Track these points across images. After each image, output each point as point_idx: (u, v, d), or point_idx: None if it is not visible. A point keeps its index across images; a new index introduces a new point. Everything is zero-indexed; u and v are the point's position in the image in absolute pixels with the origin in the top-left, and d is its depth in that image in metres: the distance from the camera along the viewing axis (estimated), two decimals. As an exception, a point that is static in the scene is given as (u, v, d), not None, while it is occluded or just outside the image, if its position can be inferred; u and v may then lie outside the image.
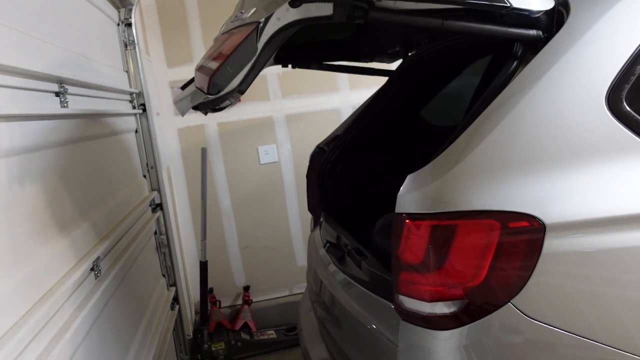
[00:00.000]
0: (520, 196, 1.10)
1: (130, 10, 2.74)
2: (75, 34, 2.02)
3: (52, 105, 1.66)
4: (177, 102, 1.56)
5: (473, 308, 1.12)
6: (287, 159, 3.63)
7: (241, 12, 1.40)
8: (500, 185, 1.11)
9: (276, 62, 2.01)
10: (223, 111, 1.69)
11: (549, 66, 1.16)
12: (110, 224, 2.03)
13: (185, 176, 3.56)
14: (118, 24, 2.73)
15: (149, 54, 3.36)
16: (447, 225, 1.12)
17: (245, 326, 3.45)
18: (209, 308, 3.40)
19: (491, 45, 1.99)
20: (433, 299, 1.14)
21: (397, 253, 1.20)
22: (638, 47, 1.14)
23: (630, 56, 1.14)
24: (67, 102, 1.73)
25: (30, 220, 1.40)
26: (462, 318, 1.13)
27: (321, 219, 2.14)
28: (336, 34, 1.90)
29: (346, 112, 3.53)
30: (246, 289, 3.64)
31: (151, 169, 2.85)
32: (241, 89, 1.22)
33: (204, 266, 3.31)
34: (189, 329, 3.25)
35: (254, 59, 1.21)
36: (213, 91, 1.21)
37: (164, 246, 2.92)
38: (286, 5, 1.19)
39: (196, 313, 3.55)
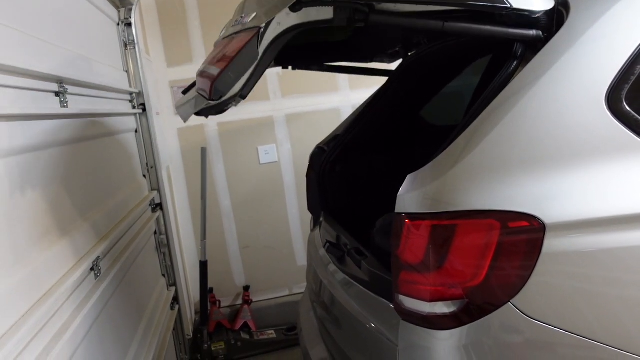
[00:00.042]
0: (520, 196, 1.10)
1: (130, 10, 2.74)
2: (75, 34, 2.02)
3: (52, 105, 1.66)
4: (179, 108, 1.56)
5: (473, 308, 1.12)
6: (287, 159, 3.63)
7: (241, 17, 1.40)
8: (500, 185, 1.11)
9: (276, 64, 2.01)
10: (223, 111, 1.69)
11: (549, 66, 1.16)
12: (110, 224, 2.03)
13: (185, 176, 3.56)
14: (118, 24, 2.73)
15: (148, 53, 3.36)
16: (447, 225, 1.12)
17: (245, 326, 3.45)
18: (209, 308, 3.40)
19: (491, 45, 1.99)
20: (433, 299, 1.14)
21: (397, 253, 1.20)
22: (638, 47, 1.14)
23: (630, 56, 1.14)
24: (67, 102, 1.73)
25: (30, 220, 1.40)
26: (462, 318, 1.13)
27: (321, 219, 2.14)
28: (336, 35, 1.90)
29: (346, 112, 3.53)
30: (246, 288, 3.64)
31: (151, 168, 2.85)
32: (243, 94, 1.23)
33: (203, 266, 3.31)
34: (188, 329, 3.25)
35: (255, 64, 1.21)
36: (215, 97, 1.22)
37: (164, 246, 2.92)
38: (287, 9, 1.19)
39: (196, 313, 3.55)
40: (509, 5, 1.16)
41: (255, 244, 3.67)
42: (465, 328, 1.13)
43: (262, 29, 1.20)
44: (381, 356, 1.36)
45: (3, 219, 1.25)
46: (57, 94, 1.68)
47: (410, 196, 1.18)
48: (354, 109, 2.37)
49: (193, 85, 1.59)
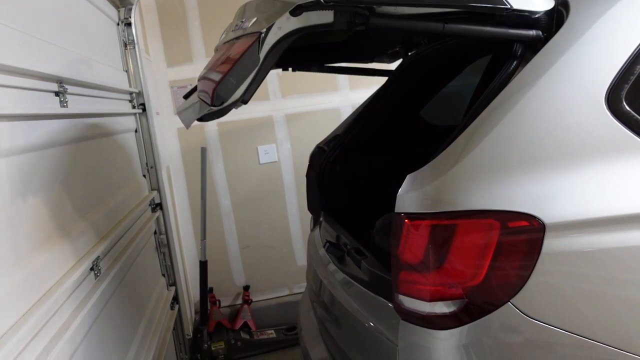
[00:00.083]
0: (519, 196, 1.10)
1: (130, 9, 2.74)
2: (75, 34, 2.02)
3: (52, 105, 1.66)
4: (180, 113, 1.56)
5: (473, 307, 1.12)
6: (286, 159, 3.63)
7: (242, 21, 1.40)
8: (499, 185, 1.11)
9: (276, 66, 2.01)
10: (223, 111, 1.69)
11: (548, 66, 1.16)
12: (109, 224, 2.03)
13: (185, 176, 3.56)
14: (118, 24, 2.73)
15: (148, 53, 3.36)
16: (446, 225, 1.12)
17: (245, 326, 3.45)
18: (209, 308, 3.40)
19: (491, 45, 1.99)
20: (433, 299, 1.14)
21: (397, 253, 1.20)
22: (638, 46, 1.14)
23: (630, 56, 1.14)
24: (66, 102, 1.72)
25: (29, 220, 1.40)
26: (461, 317, 1.13)
27: (321, 219, 2.14)
28: (336, 36, 1.90)
29: (346, 112, 3.53)
30: (246, 288, 3.64)
31: (151, 168, 2.85)
32: (244, 99, 1.23)
33: (203, 266, 3.31)
34: (188, 329, 3.25)
35: (256, 69, 1.22)
36: (217, 103, 1.22)
37: (164, 246, 2.92)
38: (287, 14, 1.19)
39: (196, 313, 3.55)
40: (509, 6, 1.16)
41: (255, 243, 3.67)
42: (465, 328, 1.13)
43: (263, 34, 1.20)
44: (381, 356, 1.36)
45: (2, 219, 1.25)
46: (56, 93, 1.68)
47: (410, 196, 1.18)
48: (354, 109, 2.37)
49: (194, 89, 1.59)
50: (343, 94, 3.65)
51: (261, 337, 3.40)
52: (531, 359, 1.14)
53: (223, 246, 3.64)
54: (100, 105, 2.19)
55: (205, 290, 3.33)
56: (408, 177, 1.22)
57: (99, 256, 1.76)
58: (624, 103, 1.13)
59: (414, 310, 1.18)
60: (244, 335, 3.38)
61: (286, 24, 1.21)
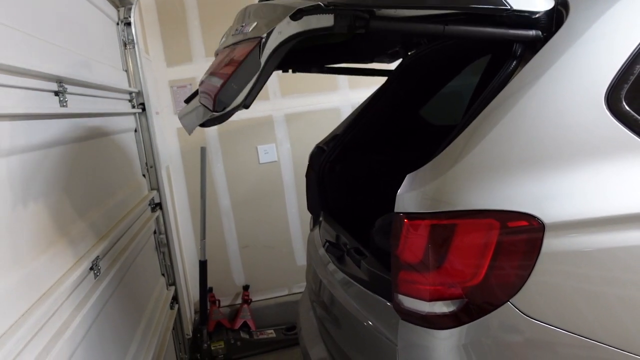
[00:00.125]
0: (519, 196, 1.10)
1: (130, 9, 2.74)
2: (75, 33, 2.02)
3: (52, 105, 1.66)
4: (182, 117, 1.56)
5: (472, 307, 1.12)
6: (286, 159, 3.63)
7: (242, 26, 1.40)
8: (499, 184, 1.11)
9: (277, 68, 2.01)
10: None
11: (548, 66, 1.16)
12: (109, 224, 2.03)
13: (184, 175, 3.56)
14: (117, 23, 2.73)
15: (148, 53, 3.36)
16: (446, 225, 1.12)
17: (245, 325, 3.45)
18: (209, 307, 3.40)
19: (490, 45, 1.99)
20: (432, 298, 1.14)
21: (397, 252, 1.20)
22: (637, 46, 1.14)
23: (630, 56, 1.14)
24: (66, 102, 1.72)
25: (29, 220, 1.40)
26: (461, 317, 1.13)
27: (320, 219, 2.14)
28: (336, 37, 1.90)
29: (346, 112, 3.53)
30: (245, 288, 3.64)
31: (150, 168, 2.85)
32: (246, 104, 1.23)
33: (203, 265, 3.31)
34: (188, 328, 3.25)
35: (257, 74, 1.22)
36: (219, 108, 1.22)
37: (164, 245, 2.92)
38: (287, 18, 1.19)
39: (195, 312, 3.55)
40: (509, 7, 1.16)
41: (254, 243, 3.67)
42: (464, 327, 1.13)
43: (264, 39, 1.20)
44: (380, 355, 1.36)
45: (2, 218, 1.25)
46: (56, 93, 1.68)
47: (410, 196, 1.18)
48: (354, 109, 2.37)
49: (195, 93, 1.59)
50: (343, 94, 3.65)
51: (261, 336, 3.40)
52: (531, 358, 1.14)
53: (223, 246, 3.64)
54: (99, 105, 2.19)
55: (204, 289, 3.32)
56: (408, 177, 1.22)
57: (98, 256, 1.76)
58: (624, 103, 1.13)
59: (414, 309, 1.18)
60: (243, 335, 3.38)
61: (286, 29, 1.21)
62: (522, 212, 1.09)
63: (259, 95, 1.29)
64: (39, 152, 1.53)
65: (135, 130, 2.78)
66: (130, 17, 2.73)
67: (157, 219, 2.87)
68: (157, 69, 3.43)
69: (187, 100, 1.74)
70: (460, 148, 1.16)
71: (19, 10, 1.51)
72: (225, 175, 3.59)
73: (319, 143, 2.27)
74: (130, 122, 2.69)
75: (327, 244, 1.84)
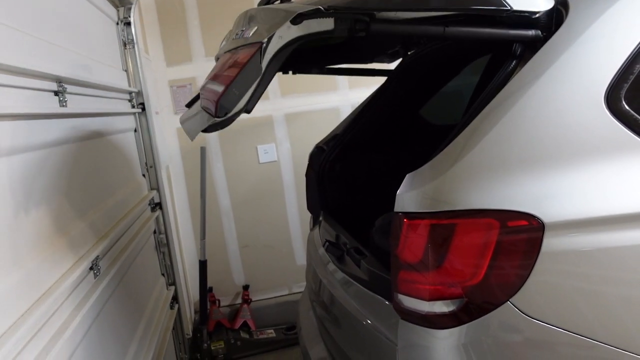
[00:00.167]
0: (519, 195, 1.10)
1: (129, 9, 2.74)
2: (74, 33, 2.02)
3: (51, 105, 1.66)
4: (183, 122, 1.56)
5: (472, 307, 1.12)
6: (286, 158, 3.63)
7: (242, 30, 1.40)
8: (499, 184, 1.11)
9: (277, 70, 2.01)
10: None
11: (548, 65, 1.16)
12: (109, 223, 2.03)
13: (184, 175, 3.56)
14: (117, 23, 2.73)
15: (148, 52, 3.36)
16: (446, 225, 1.12)
17: (245, 325, 3.45)
18: (209, 307, 3.40)
19: (490, 45, 1.99)
20: (432, 298, 1.14)
21: (396, 252, 1.20)
22: (637, 46, 1.14)
23: (629, 55, 1.14)
24: (65, 101, 1.72)
25: (28, 219, 1.40)
26: (461, 317, 1.13)
27: (320, 218, 2.14)
28: (336, 38, 1.91)
29: (345, 111, 3.53)
30: (245, 288, 3.64)
31: (150, 168, 2.85)
32: (248, 109, 1.23)
33: (203, 265, 3.31)
34: (188, 328, 3.25)
35: (259, 78, 1.22)
36: (221, 114, 1.22)
37: (163, 245, 2.92)
38: (287, 23, 1.19)
39: (195, 312, 3.55)
40: (510, 7, 1.16)
41: (254, 243, 3.67)
42: (464, 327, 1.13)
43: (265, 44, 1.20)
44: (380, 355, 1.36)
45: (1, 218, 1.25)
46: (56, 93, 1.68)
47: (409, 195, 1.18)
48: (353, 108, 2.37)
49: (197, 97, 1.59)
50: (342, 94, 3.65)
51: (261, 336, 3.40)
52: (530, 358, 1.14)
53: (222, 245, 3.64)
54: (99, 105, 2.19)
55: (204, 289, 3.32)
56: (407, 177, 1.22)
57: (98, 255, 1.76)
58: (623, 102, 1.13)
59: (414, 309, 1.18)
60: (243, 335, 3.38)
61: (287, 33, 1.21)
62: (521, 212, 1.09)
63: (259, 96, 1.28)
64: (39, 152, 1.52)
65: (135, 130, 2.78)
66: (129, 16, 2.73)
67: (157, 218, 2.87)
68: (157, 68, 3.43)
69: (189, 105, 1.74)
70: (460, 148, 1.16)
71: (18, 10, 1.51)
72: (225, 175, 3.59)
73: (319, 143, 2.27)
74: (130, 122, 2.69)
75: (327, 243, 1.84)
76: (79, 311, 1.54)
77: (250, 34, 1.31)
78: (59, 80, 1.70)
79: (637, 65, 1.14)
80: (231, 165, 3.59)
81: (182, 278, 3.27)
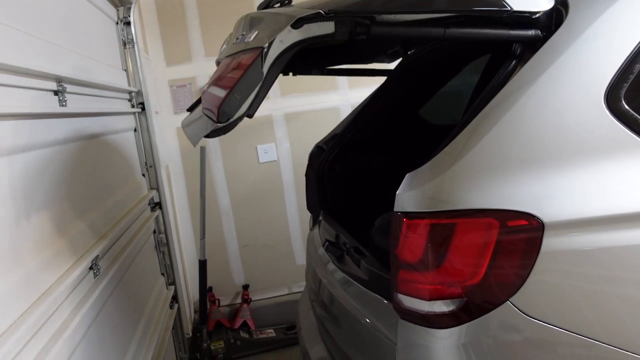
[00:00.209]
0: (519, 195, 1.10)
1: (129, 8, 2.73)
2: (74, 33, 2.02)
3: (51, 104, 1.66)
4: (185, 127, 1.56)
5: (472, 306, 1.12)
6: (286, 158, 3.63)
7: (242, 34, 1.41)
8: (499, 183, 1.11)
9: None
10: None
11: (547, 65, 1.16)
12: (109, 223, 2.03)
13: (184, 175, 3.56)
14: (117, 23, 2.72)
15: (147, 52, 3.36)
16: (445, 224, 1.12)
17: (245, 325, 3.45)
18: (208, 307, 3.40)
19: (490, 44, 1.99)
20: (432, 298, 1.14)
21: (396, 252, 1.20)
22: (637, 45, 1.14)
23: (629, 55, 1.14)
24: (65, 101, 1.72)
25: (28, 219, 1.40)
26: (460, 316, 1.13)
27: (320, 218, 2.14)
28: (336, 40, 1.91)
29: (345, 111, 3.53)
30: (245, 287, 3.64)
31: (150, 167, 2.85)
32: (249, 114, 1.24)
33: (203, 265, 3.31)
34: (188, 328, 3.25)
35: (260, 83, 1.22)
36: (222, 119, 1.22)
37: (163, 245, 2.92)
38: (288, 27, 1.20)
39: (195, 312, 3.55)
40: (510, 8, 1.16)
41: (254, 242, 3.67)
42: (464, 327, 1.13)
43: (266, 49, 1.21)
44: (380, 355, 1.36)
45: (1, 218, 1.25)
46: (55, 92, 1.68)
47: (409, 195, 1.18)
48: (353, 108, 2.37)
49: (198, 102, 1.59)
50: (342, 93, 3.65)
51: (260, 336, 3.40)
52: (530, 358, 1.14)
53: (222, 245, 3.64)
54: (99, 104, 2.19)
55: (204, 289, 3.32)
56: (407, 176, 1.22)
57: (98, 255, 1.76)
58: (623, 102, 1.13)
59: (413, 309, 1.18)
60: (243, 335, 3.38)
61: (288, 37, 1.22)
62: (521, 212, 1.09)
63: (259, 95, 1.28)
64: (39, 152, 1.52)
65: (135, 130, 2.78)
66: (129, 16, 2.73)
67: (157, 218, 2.87)
68: (157, 68, 3.43)
69: (190, 109, 1.74)
70: (460, 147, 1.16)
71: (18, 10, 1.51)
72: (224, 175, 3.59)
73: (319, 142, 2.27)
74: (129, 122, 2.69)
75: (327, 243, 1.84)
76: (78, 311, 1.54)
77: (251, 39, 1.32)
78: (59, 80, 1.69)
79: (637, 65, 1.14)
80: (231, 165, 3.59)
81: (181, 278, 3.27)
